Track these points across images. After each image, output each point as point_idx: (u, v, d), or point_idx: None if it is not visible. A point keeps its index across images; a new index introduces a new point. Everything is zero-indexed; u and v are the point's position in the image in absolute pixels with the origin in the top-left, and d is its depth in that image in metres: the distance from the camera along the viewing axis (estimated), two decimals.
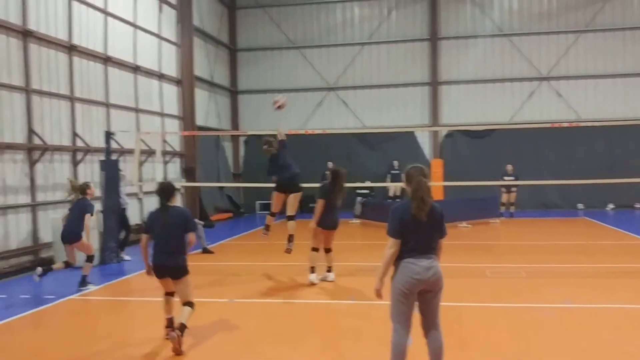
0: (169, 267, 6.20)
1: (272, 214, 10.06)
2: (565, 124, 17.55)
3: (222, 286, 9.51)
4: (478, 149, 22.31)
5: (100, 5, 14.61)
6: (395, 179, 20.58)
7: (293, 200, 9.73)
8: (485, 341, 6.25)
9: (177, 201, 7.06)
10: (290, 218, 9.78)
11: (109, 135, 12.30)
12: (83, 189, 9.42)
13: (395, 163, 21.63)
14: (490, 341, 6.25)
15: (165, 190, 6.34)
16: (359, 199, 19.97)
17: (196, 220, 13.21)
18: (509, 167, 19.50)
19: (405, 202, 4.72)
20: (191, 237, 6.29)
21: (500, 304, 7.93)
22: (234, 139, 24.33)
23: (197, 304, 6.41)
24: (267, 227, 10.20)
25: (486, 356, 5.82)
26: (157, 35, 17.85)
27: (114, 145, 13.36)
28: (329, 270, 9.54)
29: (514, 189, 19.59)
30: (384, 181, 21.33)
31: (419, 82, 23.20)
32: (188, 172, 18.79)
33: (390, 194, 21.81)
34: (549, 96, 22.27)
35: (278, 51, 24.12)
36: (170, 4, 18.66)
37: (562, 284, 9.15)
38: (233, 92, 24.39)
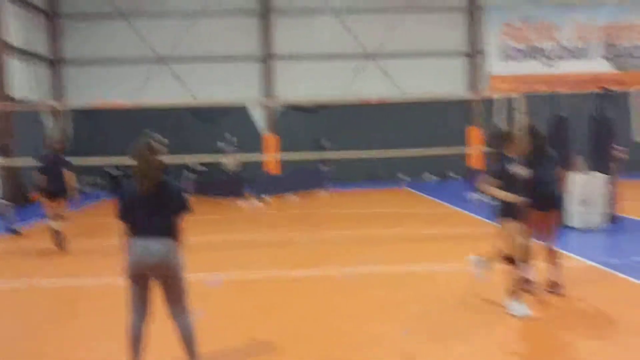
0: None
1: None
2: (391, 100, 18.54)
3: None
4: (310, 125, 22.90)
5: None
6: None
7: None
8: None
9: None
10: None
11: None
12: None
13: (228, 135, 21.62)
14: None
15: None
16: (186, 173, 19.69)
17: (1, 201, 12.34)
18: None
19: (131, 182, 4.47)
20: None
21: (300, 271, 8.30)
22: (58, 112, 22.74)
23: None
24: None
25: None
26: None
27: None
28: None
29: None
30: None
31: (251, 56, 23.21)
32: (2, 149, 17.30)
33: (229, 168, 21.75)
34: (374, 73, 23.38)
35: (107, 21, 22.81)
36: None
37: (370, 249, 9.77)
38: (55, 62, 22.73)
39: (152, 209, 4.40)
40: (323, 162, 20.08)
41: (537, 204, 6.22)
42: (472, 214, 12.99)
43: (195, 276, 7.76)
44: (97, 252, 10.04)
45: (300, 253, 9.67)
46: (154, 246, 4.36)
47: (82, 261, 9.42)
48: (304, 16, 23.20)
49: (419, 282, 7.53)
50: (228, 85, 22.78)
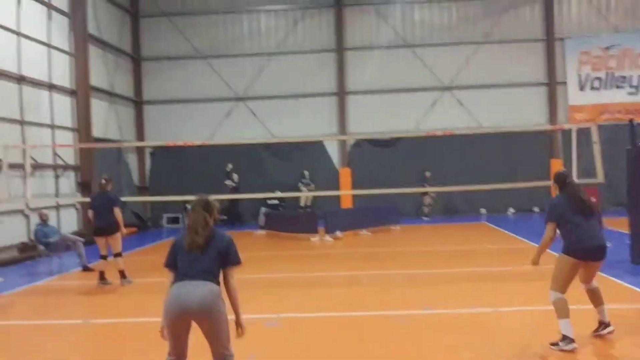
0: None
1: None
2: (467, 132, 17.98)
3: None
4: (384, 158, 22.56)
5: None
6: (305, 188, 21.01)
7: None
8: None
9: None
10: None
11: None
12: None
13: (306, 173, 21.87)
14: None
15: None
16: (262, 209, 19.77)
17: (76, 237, 12.69)
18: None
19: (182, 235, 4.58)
20: None
21: (350, 312, 7.90)
22: (140, 151, 23.63)
23: None
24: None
25: None
26: (46, 44, 17.10)
27: None
28: None
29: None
30: (295, 191, 21.26)
31: (326, 92, 23.29)
32: (84, 187, 18.03)
33: (302, 203, 21.82)
34: (450, 105, 22.81)
35: (184, 61, 23.63)
36: (61, 12, 17.92)
37: (431, 290, 9.24)
38: (137, 103, 23.69)
39: (197, 258, 4.41)
40: (426, 194, 19.92)
41: (585, 255, 5.89)
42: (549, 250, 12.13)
43: (254, 316, 7.65)
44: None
45: (363, 293, 9.30)
46: (196, 290, 4.27)
47: (132, 300, 9.39)
48: (378, 50, 23.05)
49: (475, 326, 6.95)
50: (303, 121, 22.88)
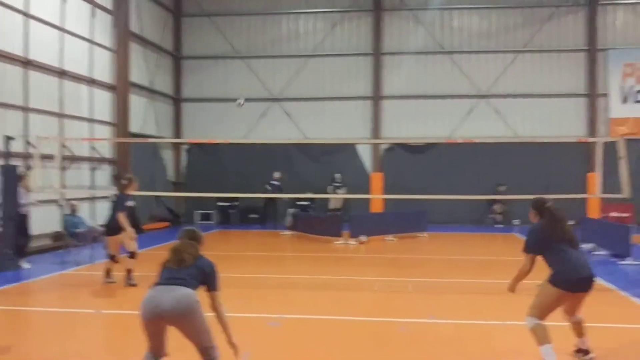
0: None
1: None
2: (503, 140, 17.76)
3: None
4: (417, 163, 22.47)
5: (20, 7, 14.39)
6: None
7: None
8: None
9: None
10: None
11: (8, 139, 12.05)
12: None
13: (337, 176, 21.94)
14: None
15: None
16: (290, 210, 19.94)
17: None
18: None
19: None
20: None
21: (358, 317, 7.96)
22: (176, 147, 24.13)
23: None
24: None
25: None
26: (89, 40, 17.67)
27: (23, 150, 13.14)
28: None
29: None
30: (325, 193, 21.39)
31: (361, 96, 23.33)
32: (117, 180, 18.50)
33: (331, 206, 21.91)
34: (487, 113, 22.55)
35: (223, 60, 24.04)
36: (104, 9, 18.49)
37: (441, 299, 9.22)
38: (176, 100, 24.21)
39: (179, 271, 4.66)
40: (497, 202, 19.83)
41: (576, 287, 5.51)
42: None
43: (258, 315, 7.80)
44: None
45: (372, 299, 9.36)
46: (170, 294, 4.45)
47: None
48: (414, 55, 22.96)
49: (472, 338, 6.92)
50: (336, 124, 22.98)
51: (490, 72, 22.56)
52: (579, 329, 5.85)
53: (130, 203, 10.36)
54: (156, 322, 4.43)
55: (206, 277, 4.69)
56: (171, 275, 4.58)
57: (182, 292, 4.44)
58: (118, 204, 10.12)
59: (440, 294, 9.72)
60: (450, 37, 22.98)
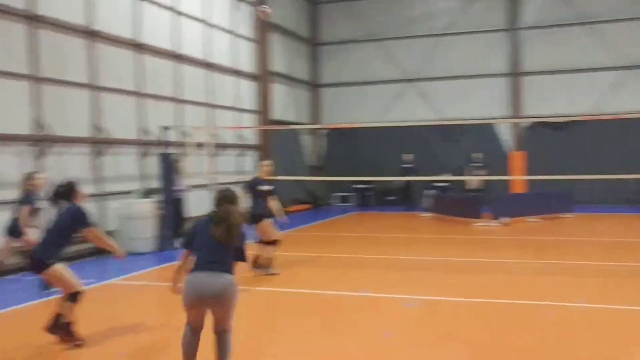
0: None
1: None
2: None
3: None
4: (560, 142, 21.30)
5: (169, 4, 15.48)
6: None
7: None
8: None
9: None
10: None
11: (166, 129, 13.12)
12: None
13: (477, 156, 21.45)
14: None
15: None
16: (427, 191, 19.81)
17: None
18: None
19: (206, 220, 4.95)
20: None
21: (493, 299, 7.87)
22: (314, 132, 24.81)
23: None
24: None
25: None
26: (233, 33, 18.66)
27: (177, 139, 14.23)
28: None
29: None
30: (462, 174, 20.98)
31: (498, 73, 22.49)
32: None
33: (470, 187, 21.41)
34: (637, 86, 20.73)
35: (358, 44, 24.24)
36: (247, 1, 19.38)
37: (588, 282, 8.83)
38: (314, 86, 24.85)
39: (220, 249, 4.84)
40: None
41: None
42: None
43: (395, 296, 7.92)
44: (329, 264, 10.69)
45: (510, 281, 9.16)
46: (216, 281, 4.72)
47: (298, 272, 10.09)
48: (554, 28, 21.66)
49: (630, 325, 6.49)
50: (474, 103, 22.39)
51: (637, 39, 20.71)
52: None
53: (265, 187, 9.83)
54: (199, 307, 4.79)
55: (236, 254, 5.01)
56: (213, 255, 4.80)
57: (226, 280, 4.76)
58: (250, 188, 9.89)
59: (590, 277, 9.24)
60: (594, 5, 21.33)
